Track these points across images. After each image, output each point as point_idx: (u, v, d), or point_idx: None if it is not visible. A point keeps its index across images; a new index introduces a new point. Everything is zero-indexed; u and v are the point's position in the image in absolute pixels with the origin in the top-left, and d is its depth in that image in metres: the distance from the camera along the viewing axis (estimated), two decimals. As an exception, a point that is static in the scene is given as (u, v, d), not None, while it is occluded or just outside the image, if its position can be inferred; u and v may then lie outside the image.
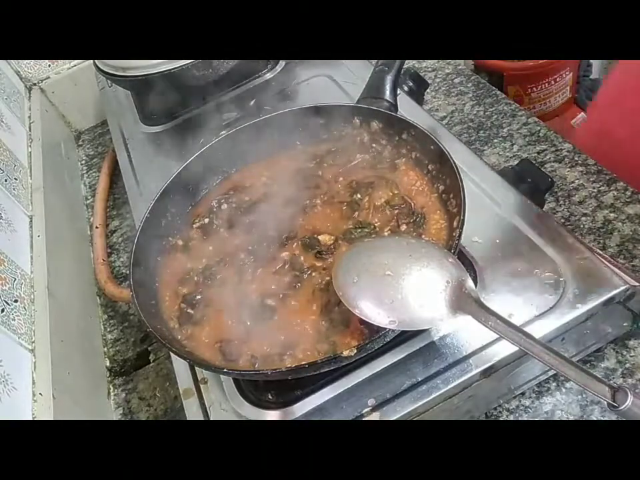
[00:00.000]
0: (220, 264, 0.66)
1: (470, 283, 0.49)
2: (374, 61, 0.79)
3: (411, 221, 0.62)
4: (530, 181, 0.70)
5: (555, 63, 1.49)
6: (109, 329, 0.93)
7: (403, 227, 0.62)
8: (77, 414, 0.70)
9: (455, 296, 0.48)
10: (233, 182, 0.77)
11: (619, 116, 0.90)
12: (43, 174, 1.05)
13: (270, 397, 0.58)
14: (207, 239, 0.70)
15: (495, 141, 0.91)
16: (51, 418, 0.64)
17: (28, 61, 1.30)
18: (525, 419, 0.60)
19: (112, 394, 0.84)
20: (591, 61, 1.68)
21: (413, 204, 0.64)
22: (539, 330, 0.55)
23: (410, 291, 0.50)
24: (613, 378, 0.61)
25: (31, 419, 0.64)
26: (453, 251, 0.53)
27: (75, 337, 0.83)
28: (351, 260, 0.55)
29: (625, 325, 0.60)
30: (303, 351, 0.55)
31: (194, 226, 0.71)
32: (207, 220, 0.72)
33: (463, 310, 0.47)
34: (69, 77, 1.35)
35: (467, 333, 0.57)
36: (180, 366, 0.64)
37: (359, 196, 0.67)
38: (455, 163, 0.60)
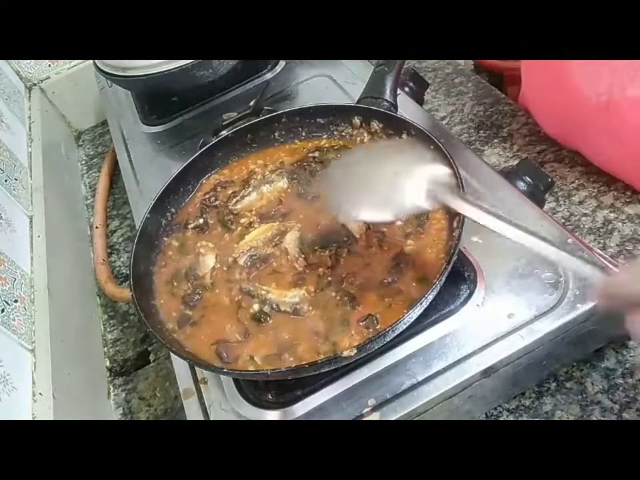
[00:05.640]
0: (216, 263, 0.65)
1: (447, 174, 0.52)
2: (374, 61, 0.79)
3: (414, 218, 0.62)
4: (530, 181, 0.69)
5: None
6: (108, 329, 0.93)
7: (409, 230, 0.62)
8: (77, 414, 0.70)
9: (432, 186, 0.51)
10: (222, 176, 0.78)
11: None
12: (42, 174, 1.05)
13: (270, 397, 0.58)
14: (203, 238, 0.70)
15: (495, 140, 0.91)
16: (51, 418, 0.64)
17: (28, 61, 1.30)
18: (525, 418, 0.60)
19: (112, 394, 0.84)
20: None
21: None
22: (539, 330, 0.55)
23: (388, 183, 0.53)
24: (613, 378, 0.61)
25: (31, 418, 0.64)
26: (452, 251, 0.53)
27: (74, 337, 0.83)
28: (334, 171, 0.61)
29: (625, 325, 0.60)
30: (303, 351, 0.55)
31: (189, 226, 0.71)
32: (201, 220, 0.71)
33: (439, 199, 0.51)
34: (69, 77, 1.35)
35: (467, 332, 0.57)
36: (180, 366, 0.64)
37: None
38: (455, 163, 0.60)
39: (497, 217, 0.47)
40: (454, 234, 0.56)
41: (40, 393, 0.67)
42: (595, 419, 0.58)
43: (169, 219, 0.72)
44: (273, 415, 0.57)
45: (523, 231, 0.45)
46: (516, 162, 0.74)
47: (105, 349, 0.91)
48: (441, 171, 0.52)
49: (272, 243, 0.65)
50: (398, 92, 0.74)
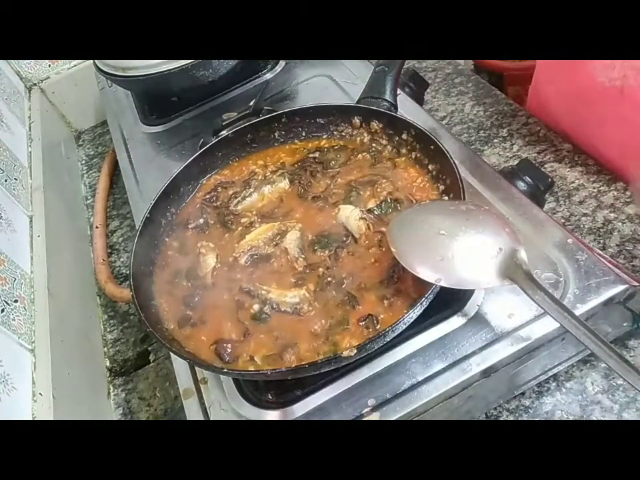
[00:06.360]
0: (217, 263, 0.65)
1: (523, 254, 0.50)
2: (374, 61, 0.79)
3: None
4: (530, 181, 0.70)
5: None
6: (108, 329, 0.93)
7: None
8: (77, 414, 0.70)
9: (505, 264, 0.50)
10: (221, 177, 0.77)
11: None
12: (42, 174, 1.05)
13: (270, 397, 0.58)
14: (203, 238, 0.70)
15: (495, 141, 0.91)
16: (51, 418, 0.64)
17: (28, 61, 1.30)
18: (525, 418, 0.60)
19: (112, 394, 0.84)
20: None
21: (414, 201, 0.64)
22: (539, 330, 0.55)
23: (461, 251, 0.51)
24: (613, 378, 0.61)
25: (31, 418, 0.64)
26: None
27: (74, 337, 0.83)
28: (408, 217, 0.57)
29: (624, 324, 0.60)
30: (303, 351, 0.55)
31: (189, 226, 0.71)
32: (201, 220, 0.71)
33: (511, 278, 0.49)
34: (69, 77, 1.35)
35: (467, 332, 0.57)
36: (180, 366, 0.64)
37: (360, 193, 0.67)
38: (455, 163, 0.60)
39: (567, 312, 0.46)
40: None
41: (40, 393, 0.67)
42: (594, 418, 0.58)
43: (169, 218, 0.72)
44: (273, 415, 0.57)
45: (586, 330, 0.45)
46: (516, 162, 0.74)
47: (105, 349, 0.91)
48: (515, 247, 0.50)
49: (272, 242, 0.65)
50: (398, 92, 0.74)
